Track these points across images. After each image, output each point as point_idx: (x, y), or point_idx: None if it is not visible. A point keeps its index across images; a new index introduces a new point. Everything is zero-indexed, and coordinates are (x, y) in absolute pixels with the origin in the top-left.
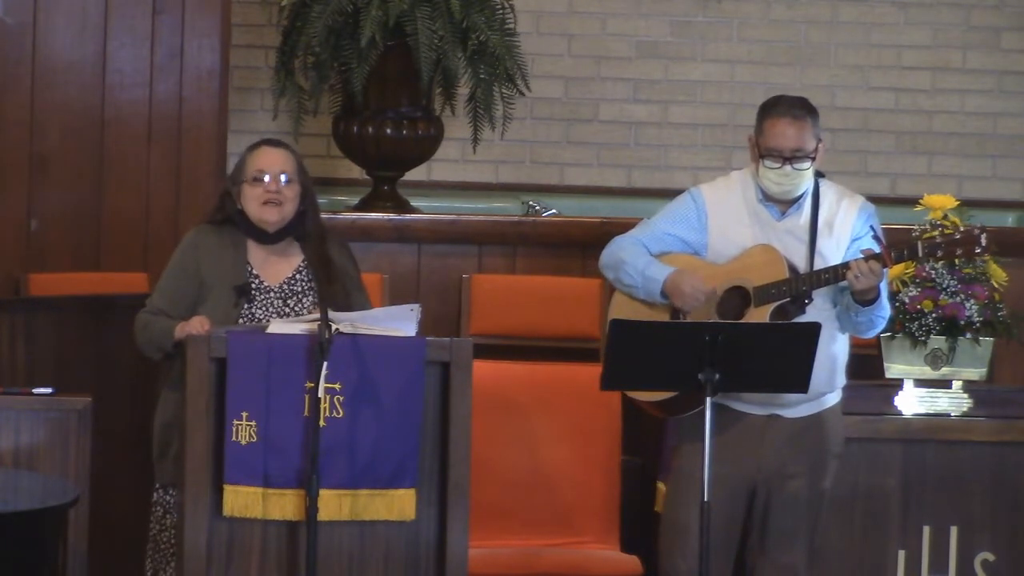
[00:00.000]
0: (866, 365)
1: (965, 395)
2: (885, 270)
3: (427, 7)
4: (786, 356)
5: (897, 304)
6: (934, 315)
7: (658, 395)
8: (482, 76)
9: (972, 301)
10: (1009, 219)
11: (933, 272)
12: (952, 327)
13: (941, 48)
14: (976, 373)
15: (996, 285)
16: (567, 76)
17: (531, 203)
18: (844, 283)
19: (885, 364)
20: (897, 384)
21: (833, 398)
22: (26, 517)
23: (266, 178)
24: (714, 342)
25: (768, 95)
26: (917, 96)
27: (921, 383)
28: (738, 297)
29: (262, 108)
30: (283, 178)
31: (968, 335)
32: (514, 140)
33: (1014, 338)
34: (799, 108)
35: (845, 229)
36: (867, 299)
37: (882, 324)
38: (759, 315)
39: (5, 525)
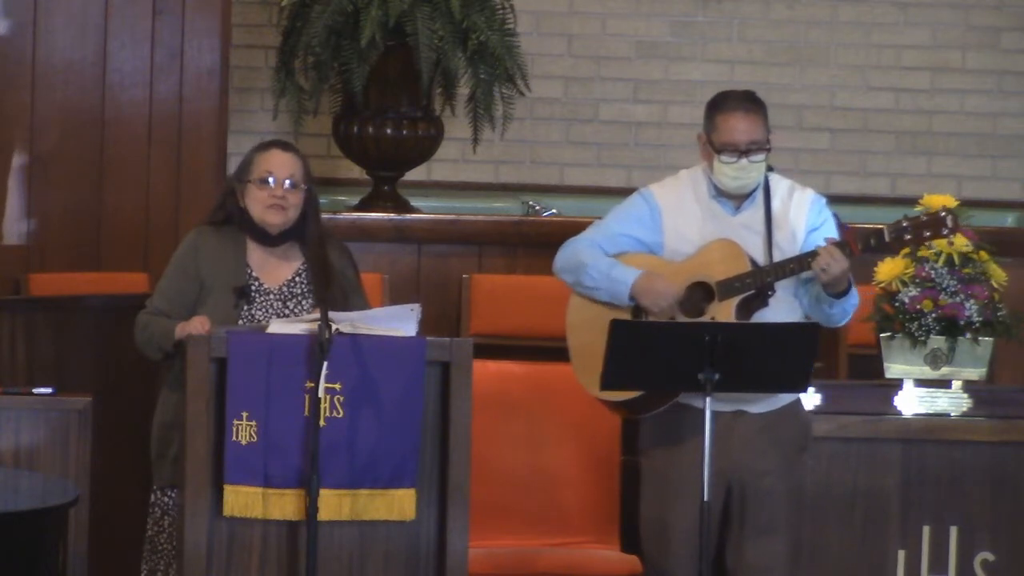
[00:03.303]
0: (866, 365)
1: (965, 395)
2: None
3: (427, 7)
4: (786, 356)
5: (897, 304)
6: (934, 315)
7: (622, 395)
8: (482, 76)
9: (972, 301)
10: (1009, 219)
11: (933, 272)
12: (952, 327)
13: (941, 48)
14: (976, 373)
15: (996, 285)
16: (567, 76)
17: (531, 203)
18: (807, 274)
19: (885, 364)
20: (897, 384)
21: (801, 393)
22: (26, 517)
23: (272, 181)
24: (714, 342)
25: (768, 95)
26: (917, 96)
27: (921, 383)
28: (701, 293)
29: (262, 108)
30: (289, 183)
31: (968, 335)
32: (514, 140)
33: (1014, 338)
34: (750, 101)
35: (800, 221)
36: (838, 290)
37: (852, 311)
38: (723, 310)
39: (5, 525)
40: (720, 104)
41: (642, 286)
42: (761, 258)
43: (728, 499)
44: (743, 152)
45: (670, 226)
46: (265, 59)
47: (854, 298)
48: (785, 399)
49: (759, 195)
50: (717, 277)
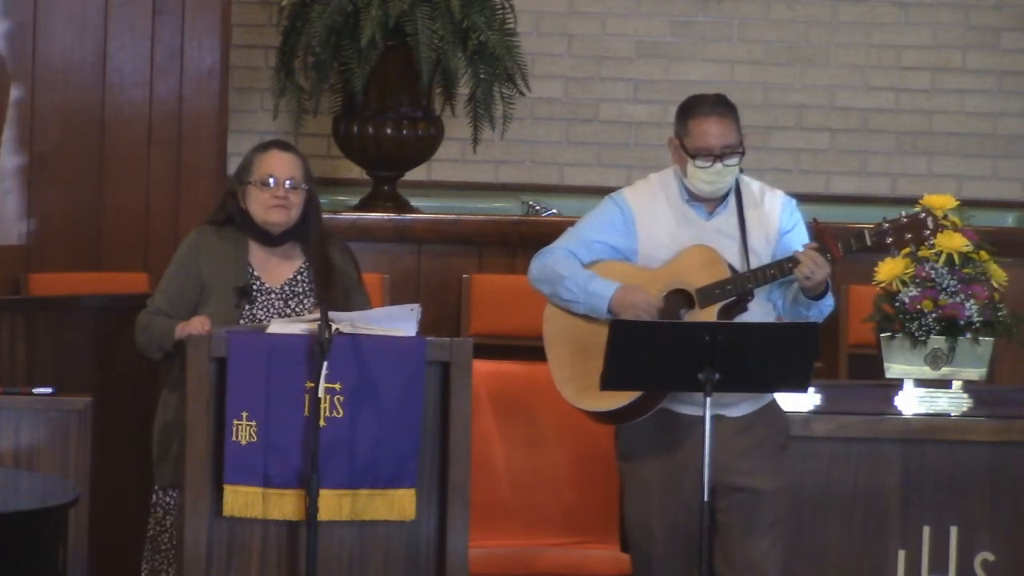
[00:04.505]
0: (866, 365)
1: (965, 395)
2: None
3: (427, 7)
4: (786, 355)
5: (897, 304)
6: (934, 315)
7: (608, 404)
8: (482, 76)
9: (972, 301)
10: (1009, 219)
11: (933, 272)
12: (952, 327)
13: (941, 48)
14: (976, 373)
15: (996, 285)
16: (567, 76)
17: (531, 203)
18: (784, 277)
19: (885, 364)
20: (897, 384)
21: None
22: (26, 517)
23: (274, 183)
24: (714, 342)
25: (768, 95)
26: (917, 96)
27: (921, 383)
28: (681, 300)
29: (262, 108)
30: (290, 183)
31: (968, 335)
32: (514, 140)
33: (1014, 338)
34: (722, 105)
35: (772, 224)
36: (817, 293)
37: (828, 312)
38: (705, 316)
39: (5, 525)
40: (692, 108)
41: (620, 299)
42: (737, 263)
43: (712, 503)
44: (717, 156)
45: (644, 232)
46: (265, 59)
47: (830, 299)
48: (762, 401)
49: (731, 199)
50: (696, 284)
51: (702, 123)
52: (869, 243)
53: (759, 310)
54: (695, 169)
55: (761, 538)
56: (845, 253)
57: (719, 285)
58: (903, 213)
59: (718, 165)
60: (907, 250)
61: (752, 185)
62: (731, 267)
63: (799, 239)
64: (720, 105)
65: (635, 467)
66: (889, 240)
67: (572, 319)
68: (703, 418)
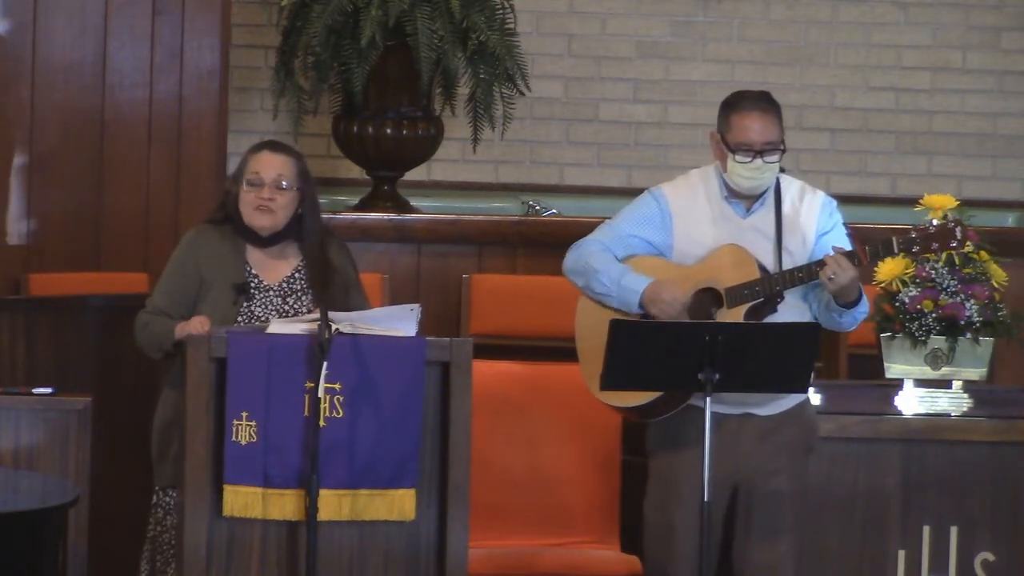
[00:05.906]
0: (866, 365)
1: (965, 395)
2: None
3: (427, 7)
4: (786, 356)
5: (897, 304)
6: (934, 315)
7: (635, 400)
8: (482, 76)
9: (972, 301)
10: (1009, 219)
11: (933, 272)
12: (952, 327)
13: (941, 48)
14: (976, 373)
15: (996, 285)
16: (567, 76)
17: (531, 203)
18: (813, 280)
19: (885, 364)
20: (897, 384)
21: (803, 394)
22: (26, 517)
23: (259, 183)
24: (714, 342)
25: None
26: (917, 96)
27: (921, 383)
28: (709, 298)
29: (262, 108)
30: (277, 184)
31: (968, 335)
32: (514, 140)
33: (1014, 338)
34: (765, 101)
35: (810, 225)
36: (849, 300)
37: (862, 319)
38: (733, 316)
39: (5, 525)
40: (735, 104)
41: (651, 294)
42: (771, 262)
43: (734, 501)
44: (758, 152)
45: (680, 228)
46: (265, 59)
47: (864, 306)
48: (792, 401)
49: (770, 197)
50: (726, 283)
51: (744, 118)
52: (896, 250)
53: (793, 311)
54: (735, 164)
55: (781, 541)
56: (871, 258)
57: (748, 286)
58: (932, 221)
59: (758, 161)
60: None
61: (793, 184)
62: (762, 267)
63: (836, 241)
64: (763, 101)
65: (661, 464)
66: (916, 248)
67: (598, 315)
68: (733, 416)
